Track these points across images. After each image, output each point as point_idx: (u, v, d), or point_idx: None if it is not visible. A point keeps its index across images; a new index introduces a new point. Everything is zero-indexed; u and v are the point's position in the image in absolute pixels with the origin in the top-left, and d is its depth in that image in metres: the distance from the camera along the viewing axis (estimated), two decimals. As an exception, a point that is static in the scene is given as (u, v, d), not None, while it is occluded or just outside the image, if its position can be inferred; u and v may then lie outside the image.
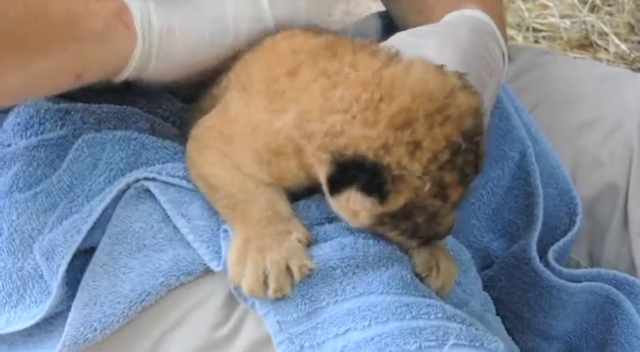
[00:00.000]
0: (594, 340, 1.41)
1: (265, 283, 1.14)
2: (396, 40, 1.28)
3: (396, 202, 1.13)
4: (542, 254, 1.41)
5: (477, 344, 1.11)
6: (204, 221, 1.21)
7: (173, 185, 1.24)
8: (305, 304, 1.14)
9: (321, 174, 1.15)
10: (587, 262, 1.48)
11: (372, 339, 1.10)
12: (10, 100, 1.31)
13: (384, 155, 1.10)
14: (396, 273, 1.15)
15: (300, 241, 1.16)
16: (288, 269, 1.14)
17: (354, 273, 1.15)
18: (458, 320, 1.13)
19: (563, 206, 1.43)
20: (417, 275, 1.19)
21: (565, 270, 1.41)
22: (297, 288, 1.14)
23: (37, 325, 1.28)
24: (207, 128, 1.25)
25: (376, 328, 1.11)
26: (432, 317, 1.12)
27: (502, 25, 1.41)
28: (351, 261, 1.15)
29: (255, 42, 1.29)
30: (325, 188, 1.15)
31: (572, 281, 1.40)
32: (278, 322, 1.14)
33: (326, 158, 1.13)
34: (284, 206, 1.19)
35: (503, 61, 1.38)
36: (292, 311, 1.14)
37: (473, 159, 1.14)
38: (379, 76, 1.13)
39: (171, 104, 1.38)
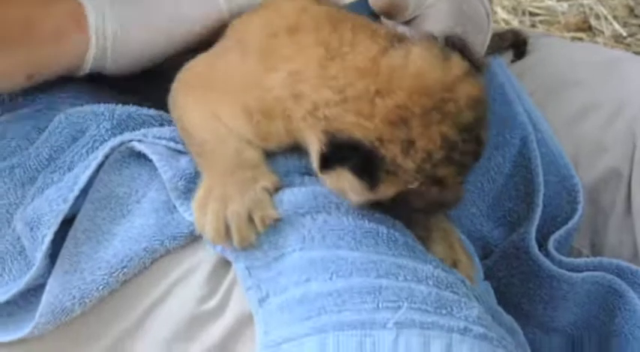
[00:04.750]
0: (596, 331, 1.37)
1: (228, 233, 1.12)
2: None
3: (385, 193, 1.11)
4: (543, 243, 1.38)
5: (444, 312, 1.07)
6: (190, 179, 1.19)
7: (160, 146, 1.23)
8: (272, 250, 1.12)
9: (312, 147, 1.14)
10: (590, 250, 1.45)
11: (331, 294, 1.08)
12: None
13: (380, 147, 1.09)
14: (372, 228, 1.13)
15: (266, 189, 1.14)
16: (250, 219, 1.12)
17: (325, 222, 1.13)
18: (431, 282, 1.10)
19: (565, 193, 1.40)
20: None
21: (566, 260, 1.38)
22: (265, 234, 1.12)
23: (17, 304, 1.26)
24: (195, 73, 1.24)
25: (337, 282, 1.09)
26: (399, 278, 1.09)
27: None
28: (322, 208, 1.13)
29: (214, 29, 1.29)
30: (315, 163, 1.13)
31: (573, 270, 1.37)
32: (247, 268, 1.12)
33: (320, 136, 1.11)
34: (253, 153, 1.18)
35: (488, 20, 1.36)
36: (260, 256, 1.12)
37: (473, 149, 1.12)
38: (377, 65, 1.12)
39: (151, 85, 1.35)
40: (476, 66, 1.16)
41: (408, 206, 1.13)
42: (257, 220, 1.12)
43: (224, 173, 1.16)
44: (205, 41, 1.29)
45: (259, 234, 1.12)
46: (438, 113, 1.10)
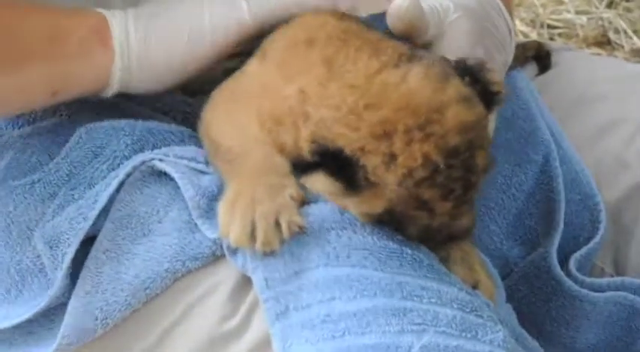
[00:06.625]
0: (619, 353, 1.35)
1: (253, 235, 1.11)
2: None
3: (374, 205, 1.12)
4: (564, 262, 1.35)
5: (469, 335, 1.06)
6: (212, 197, 1.18)
7: (182, 165, 1.22)
8: (294, 263, 1.11)
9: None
10: (612, 268, 1.42)
11: (355, 314, 1.07)
12: None
13: (360, 156, 1.10)
14: (397, 249, 1.12)
15: (292, 198, 1.13)
16: (277, 224, 1.11)
17: (350, 239, 1.11)
18: (455, 305, 1.08)
19: (586, 212, 1.38)
20: None
21: (588, 280, 1.35)
22: (288, 246, 1.11)
23: (38, 322, 1.25)
24: (221, 89, 1.25)
25: (361, 302, 1.07)
26: (424, 300, 1.08)
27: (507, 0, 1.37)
28: (348, 225, 1.12)
29: (239, 43, 1.27)
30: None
31: (595, 290, 1.34)
32: (265, 279, 1.11)
33: (310, 147, 1.13)
34: (282, 161, 1.17)
35: (511, 38, 1.34)
36: (280, 268, 1.10)
37: (461, 175, 1.11)
38: (371, 81, 1.13)
39: (170, 97, 1.34)
40: (490, 94, 1.16)
41: (404, 229, 1.13)
42: (284, 225, 1.11)
43: (253, 176, 1.15)
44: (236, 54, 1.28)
45: (283, 242, 1.11)
46: (421, 133, 1.10)
